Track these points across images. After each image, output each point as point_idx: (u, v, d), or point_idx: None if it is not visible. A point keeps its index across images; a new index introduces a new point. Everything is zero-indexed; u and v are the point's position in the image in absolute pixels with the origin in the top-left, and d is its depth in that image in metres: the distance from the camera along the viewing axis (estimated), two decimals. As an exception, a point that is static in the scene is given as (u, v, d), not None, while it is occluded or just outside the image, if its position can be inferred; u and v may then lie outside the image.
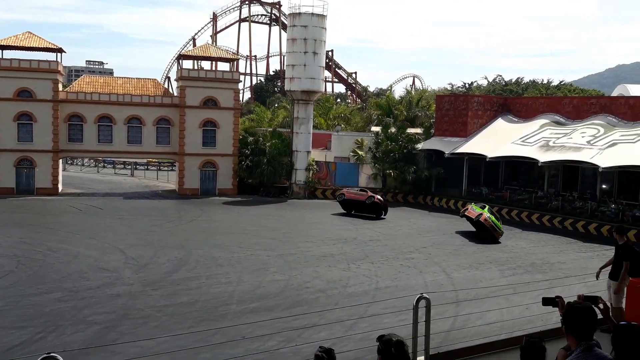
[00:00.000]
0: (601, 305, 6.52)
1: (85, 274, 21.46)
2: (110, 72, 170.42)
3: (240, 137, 45.97)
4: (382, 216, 36.62)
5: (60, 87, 43.96)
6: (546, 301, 6.52)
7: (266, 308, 17.88)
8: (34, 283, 20.07)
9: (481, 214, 29.90)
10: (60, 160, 45.04)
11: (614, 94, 54.57)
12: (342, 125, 55.06)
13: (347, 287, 20.52)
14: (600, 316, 5.33)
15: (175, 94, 47.41)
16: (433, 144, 44.01)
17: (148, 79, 48.37)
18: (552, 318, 11.92)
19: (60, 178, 44.26)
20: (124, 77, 48.22)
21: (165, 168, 61.66)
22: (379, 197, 37.56)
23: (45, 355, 6.04)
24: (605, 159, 32.58)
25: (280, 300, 18.89)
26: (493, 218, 29.66)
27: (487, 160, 39.16)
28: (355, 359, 13.80)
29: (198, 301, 18.52)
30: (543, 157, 35.86)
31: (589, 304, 4.37)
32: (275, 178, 45.09)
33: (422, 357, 9.09)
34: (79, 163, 67.35)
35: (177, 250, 25.59)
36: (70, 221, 32.66)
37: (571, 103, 40.99)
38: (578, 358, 4.10)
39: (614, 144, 33.76)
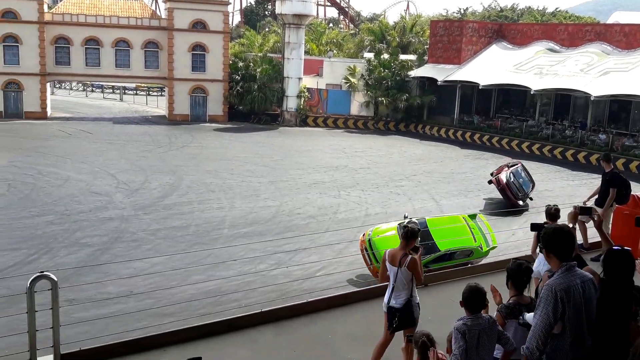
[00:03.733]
0: (595, 217, 6.70)
1: (77, 197, 21.54)
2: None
3: (230, 62, 45.13)
4: (519, 207, 21.77)
5: (46, 8, 42.58)
6: (534, 227, 6.67)
7: (258, 233, 18.16)
8: (25, 206, 20.17)
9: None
10: (48, 84, 44.20)
11: (610, 21, 53.67)
12: (334, 51, 54.08)
13: (338, 214, 20.80)
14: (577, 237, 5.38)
15: (163, 17, 46.07)
16: (426, 71, 43.48)
17: (135, 0, 46.91)
18: (538, 244, 12.16)
19: (48, 102, 43.61)
20: (110, -2, 46.71)
21: (155, 93, 60.71)
22: (503, 175, 22.63)
23: (38, 274, 6.14)
24: (598, 88, 32.40)
25: (272, 225, 19.16)
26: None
27: (480, 87, 38.84)
28: (346, 279, 14.16)
29: (190, 225, 18.75)
30: (536, 84, 35.60)
31: (566, 225, 4.49)
32: (266, 105, 44.63)
33: (410, 280, 9.28)
34: (67, 87, 66.18)
35: (168, 175, 25.63)
36: (60, 145, 32.46)
37: (566, 30, 40.33)
38: (560, 277, 4.21)
39: (607, 73, 33.48)
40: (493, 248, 15.14)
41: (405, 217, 15.32)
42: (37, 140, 33.80)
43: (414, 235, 6.75)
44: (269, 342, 7.39)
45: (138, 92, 62.07)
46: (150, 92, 61.11)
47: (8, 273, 13.91)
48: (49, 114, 43.02)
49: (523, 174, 23.74)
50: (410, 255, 6.66)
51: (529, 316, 4.67)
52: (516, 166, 23.82)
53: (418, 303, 6.83)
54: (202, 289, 12.95)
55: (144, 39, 43.83)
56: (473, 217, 16.22)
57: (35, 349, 6.27)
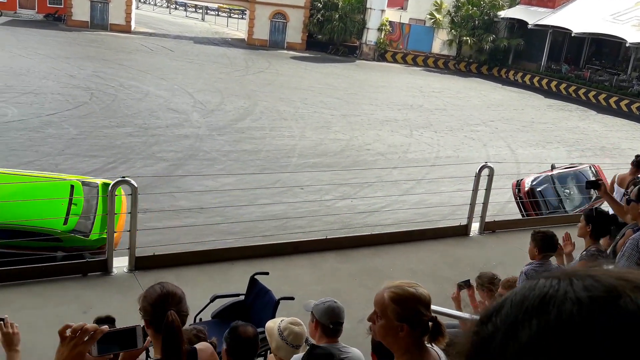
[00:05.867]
0: None
1: (155, 112, 22.16)
2: None
3: (314, -12, 44.31)
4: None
5: None
6: (589, 184, 6.60)
7: (326, 165, 18.23)
8: (106, 116, 20.94)
9: None
10: (134, -2, 44.90)
11: None
12: (421, -15, 52.12)
13: (408, 153, 20.56)
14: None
15: (251, -63, 45.40)
16: (517, 12, 41.36)
17: None
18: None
19: (133, 16, 44.38)
20: None
21: (236, 16, 60.70)
22: (530, 179, 14.44)
23: (120, 179, 6.42)
24: None
25: (340, 158, 19.18)
26: None
27: (572, 35, 36.75)
28: (409, 220, 14.09)
29: (261, 151, 19.01)
30: (632, 37, 33.33)
31: None
32: (345, 36, 43.80)
33: (477, 224, 9.18)
34: (152, 2, 67.05)
35: (243, 99, 25.89)
36: (142, 60, 33.21)
37: (677, -20, 37.19)
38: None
39: None
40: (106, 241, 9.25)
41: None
42: (120, 53, 34.68)
43: None
44: (332, 267, 7.53)
45: (220, 13, 62.17)
46: (232, 14, 61.11)
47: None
48: (132, 28, 43.86)
49: (575, 184, 14.55)
50: None
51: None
52: (574, 168, 15.32)
53: None
54: (268, 212, 13.23)
55: (230, -41, 43.51)
56: (107, 187, 9.44)
57: (112, 249, 6.63)
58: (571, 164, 16.41)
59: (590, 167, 15.16)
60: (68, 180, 10.54)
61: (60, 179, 10.73)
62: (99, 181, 10.79)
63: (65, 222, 9.56)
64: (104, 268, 6.64)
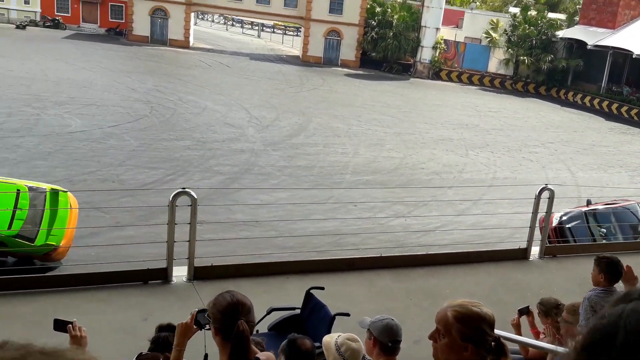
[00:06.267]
0: None
1: (213, 127, 22.60)
2: None
3: (368, 6, 44.48)
4: None
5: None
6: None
7: (379, 182, 18.16)
8: (165, 129, 21.47)
9: None
10: (192, 14, 46.10)
11: None
12: (478, 3, 51.71)
13: (463, 173, 20.28)
14: None
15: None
16: (575, 32, 40.49)
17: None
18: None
19: (191, 32, 45.54)
20: None
21: (291, 33, 61.53)
22: (558, 215, 12.50)
23: (180, 190, 6.55)
24: None
25: (394, 176, 19.07)
26: None
27: (634, 57, 35.67)
28: (465, 242, 13.86)
29: (315, 166, 19.10)
30: (702, 59, 32.14)
31: None
32: (400, 54, 43.75)
33: (537, 248, 8.94)
34: (209, 19, 68.66)
35: (297, 116, 26.12)
36: (200, 75, 33.98)
37: None
38: None
39: None
40: (52, 248, 9.83)
41: None
42: (179, 68, 35.60)
43: None
44: (387, 286, 7.45)
45: (275, 30, 63.14)
46: (287, 32, 61.95)
47: (147, 187, 15.01)
48: (191, 44, 45.01)
49: (615, 222, 12.66)
50: None
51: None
52: (616, 205, 13.39)
53: None
54: (321, 228, 13.24)
55: (287, -22, 44.24)
56: (55, 194, 10.74)
57: (172, 259, 6.75)
58: (614, 199, 14.40)
59: (638, 204, 13.07)
60: (14, 185, 10.42)
61: (7, 183, 10.61)
62: (47, 187, 10.66)
63: (10, 227, 9.57)
64: (164, 277, 6.76)
